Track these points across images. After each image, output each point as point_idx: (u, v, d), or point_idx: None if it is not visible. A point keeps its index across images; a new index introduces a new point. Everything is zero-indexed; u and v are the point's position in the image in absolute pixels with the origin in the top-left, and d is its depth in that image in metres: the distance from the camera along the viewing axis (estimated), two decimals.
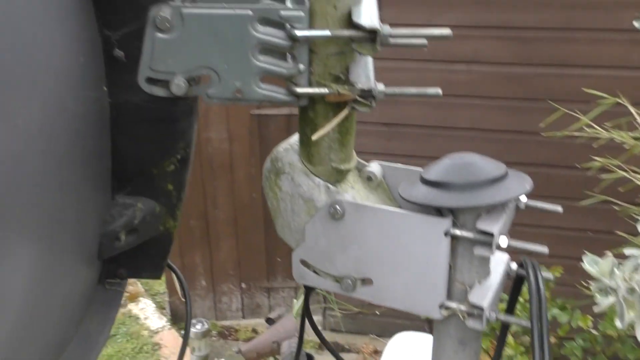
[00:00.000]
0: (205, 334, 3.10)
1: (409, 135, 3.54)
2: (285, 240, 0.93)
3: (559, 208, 0.83)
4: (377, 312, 3.88)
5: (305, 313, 1.04)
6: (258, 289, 4.23)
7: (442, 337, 0.88)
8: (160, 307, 4.25)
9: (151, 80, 0.75)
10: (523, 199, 0.85)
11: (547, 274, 0.84)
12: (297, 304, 2.96)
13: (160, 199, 0.90)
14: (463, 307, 0.81)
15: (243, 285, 4.20)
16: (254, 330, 4.15)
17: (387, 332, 4.12)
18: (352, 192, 0.89)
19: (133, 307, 4.17)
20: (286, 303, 4.20)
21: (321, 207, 0.86)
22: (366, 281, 0.87)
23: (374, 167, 0.94)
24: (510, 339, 2.16)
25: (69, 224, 0.76)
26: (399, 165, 0.94)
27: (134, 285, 4.45)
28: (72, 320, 0.89)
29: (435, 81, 3.34)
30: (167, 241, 0.96)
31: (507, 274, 0.89)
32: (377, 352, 3.52)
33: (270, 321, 2.80)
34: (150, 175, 0.87)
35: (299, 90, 0.76)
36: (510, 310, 0.89)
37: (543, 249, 0.76)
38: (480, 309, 0.79)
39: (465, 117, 3.41)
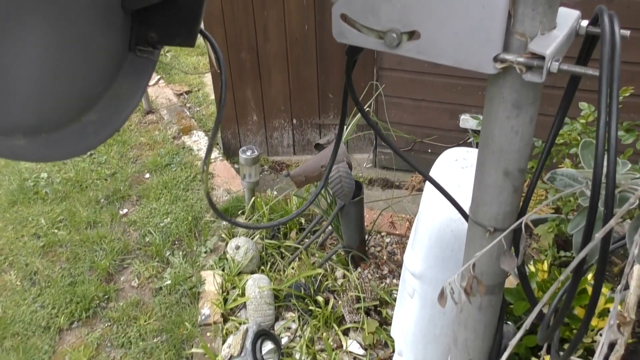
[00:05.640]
0: (255, 161, 3.15)
1: None
2: None
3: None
4: (429, 150, 3.84)
5: (348, 86, 0.98)
6: (309, 126, 4.22)
7: (494, 101, 0.80)
8: None
9: None
10: None
11: (624, 31, 0.73)
12: (347, 130, 2.93)
13: None
14: (521, 59, 0.72)
15: (294, 121, 4.19)
16: None
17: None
18: None
19: (186, 140, 4.26)
20: None
21: None
22: (413, 35, 0.78)
23: None
24: None
25: None
26: None
27: (188, 119, 4.51)
28: (103, 77, 0.86)
29: None
30: (199, 2, 0.88)
31: (576, 32, 0.78)
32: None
33: (319, 147, 2.79)
34: None
35: None
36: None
37: None
38: (541, 58, 0.70)
39: None
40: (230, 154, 4.26)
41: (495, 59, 0.74)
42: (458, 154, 1.77)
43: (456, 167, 1.70)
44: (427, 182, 1.75)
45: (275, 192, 3.48)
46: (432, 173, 1.76)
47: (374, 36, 0.81)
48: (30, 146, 0.65)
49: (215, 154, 4.13)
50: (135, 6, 0.84)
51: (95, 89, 0.85)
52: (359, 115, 2.77)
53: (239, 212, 3.37)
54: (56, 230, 3.34)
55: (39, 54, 0.69)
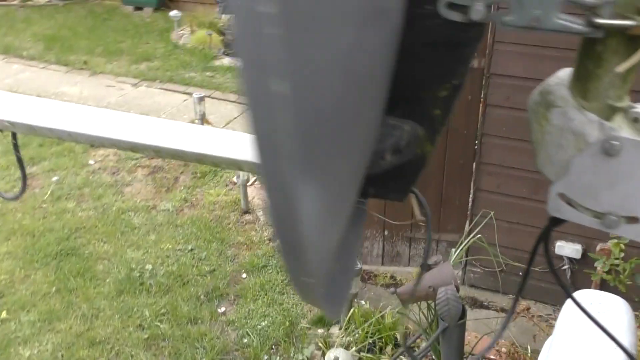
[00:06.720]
0: (357, 273, 3.23)
1: None
2: (544, 172, 0.94)
3: None
4: (520, 273, 3.82)
5: (545, 252, 1.05)
6: (400, 238, 4.29)
7: None
8: None
9: (451, 5, 0.78)
10: None
11: None
12: (455, 253, 2.99)
13: (424, 123, 0.94)
14: None
15: (386, 232, 4.28)
16: (392, 277, 4.24)
17: (528, 294, 4.04)
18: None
19: None
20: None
21: (593, 143, 0.86)
22: (632, 219, 0.87)
23: None
24: None
25: (355, 145, 0.82)
26: None
27: None
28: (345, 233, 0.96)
29: None
30: (421, 164, 0.99)
31: None
32: (529, 310, 3.49)
33: (425, 266, 2.85)
34: (422, 99, 0.91)
35: (600, 21, 0.76)
36: None
37: None
38: None
39: None
40: None
41: None
42: (592, 297, 1.79)
43: (592, 311, 1.72)
44: (560, 320, 1.77)
45: (363, 302, 3.53)
46: (565, 313, 1.79)
47: (591, 215, 0.90)
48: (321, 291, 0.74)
49: None
50: (374, 172, 0.97)
51: (339, 241, 0.96)
52: (469, 241, 2.84)
53: (334, 322, 3.42)
54: (159, 324, 3.47)
55: (315, 212, 0.77)
